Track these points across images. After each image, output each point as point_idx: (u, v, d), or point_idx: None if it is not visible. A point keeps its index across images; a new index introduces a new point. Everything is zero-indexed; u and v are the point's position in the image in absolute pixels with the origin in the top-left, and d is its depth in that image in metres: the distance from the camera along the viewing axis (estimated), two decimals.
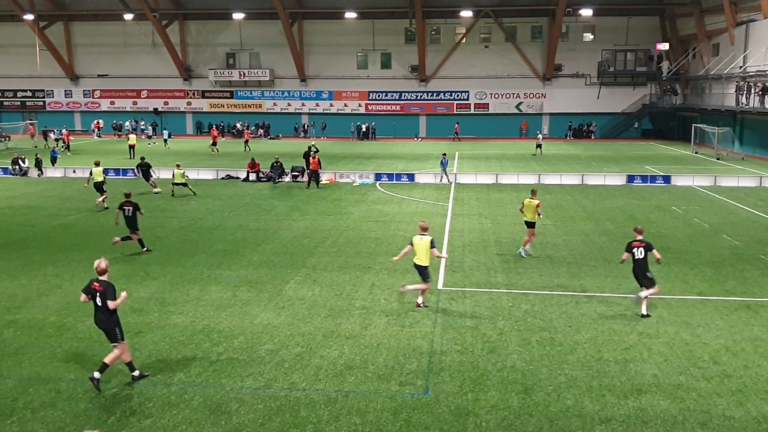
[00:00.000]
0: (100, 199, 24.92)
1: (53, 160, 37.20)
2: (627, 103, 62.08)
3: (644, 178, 32.73)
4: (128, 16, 61.12)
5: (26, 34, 64.13)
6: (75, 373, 10.30)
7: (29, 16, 61.15)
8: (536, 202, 17.64)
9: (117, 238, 18.28)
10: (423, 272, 13.50)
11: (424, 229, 13.52)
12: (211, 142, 48.54)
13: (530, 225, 17.89)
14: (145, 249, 18.18)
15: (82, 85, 67.72)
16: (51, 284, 15.11)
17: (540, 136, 48.92)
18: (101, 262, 9.97)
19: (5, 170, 35.14)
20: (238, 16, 59.63)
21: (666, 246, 18.61)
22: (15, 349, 11.26)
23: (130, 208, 18.26)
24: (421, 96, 64.07)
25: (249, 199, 27.31)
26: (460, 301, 14.10)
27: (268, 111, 66.07)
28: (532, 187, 21.49)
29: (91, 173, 26.30)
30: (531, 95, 62.80)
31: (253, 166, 33.49)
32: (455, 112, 63.68)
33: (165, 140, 53.40)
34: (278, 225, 22.00)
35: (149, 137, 53.00)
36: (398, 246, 18.97)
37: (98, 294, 9.82)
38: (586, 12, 56.03)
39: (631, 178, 32.73)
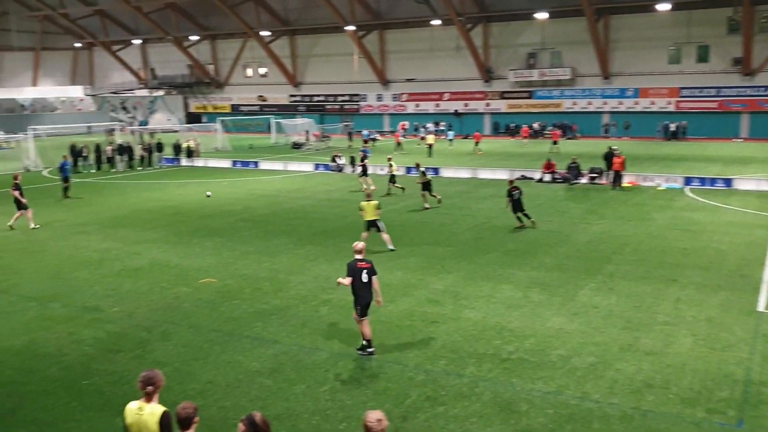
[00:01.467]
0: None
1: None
2: None
3: None
4: (435, 22, 64.64)
5: (346, 43, 71.45)
6: (378, 353, 11.14)
7: (350, 27, 68.02)
8: None
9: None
10: None
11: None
12: (521, 137, 48.99)
13: None
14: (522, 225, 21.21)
15: (391, 89, 73.41)
16: None
17: None
18: (359, 244, 11.28)
19: (326, 166, 39.61)
20: (541, 15, 59.38)
21: None
22: (328, 325, 12.58)
23: (518, 191, 21.46)
24: (744, 92, 57.25)
25: (543, 200, 27.05)
26: None
27: (567, 110, 64.79)
28: None
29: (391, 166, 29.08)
30: None
31: (549, 167, 33.09)
32: None
33: (450, 140, 55.48)
34: (573, 228, 21.43)
35: (450, 140, 55.48)
36: (709, 259, 17.23)
37: (365, 271, 10.94)
38: None
39: None
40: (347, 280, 10.86)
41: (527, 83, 66.15)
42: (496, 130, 68.34)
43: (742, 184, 29.87)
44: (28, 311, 13.57)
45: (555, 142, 47.79)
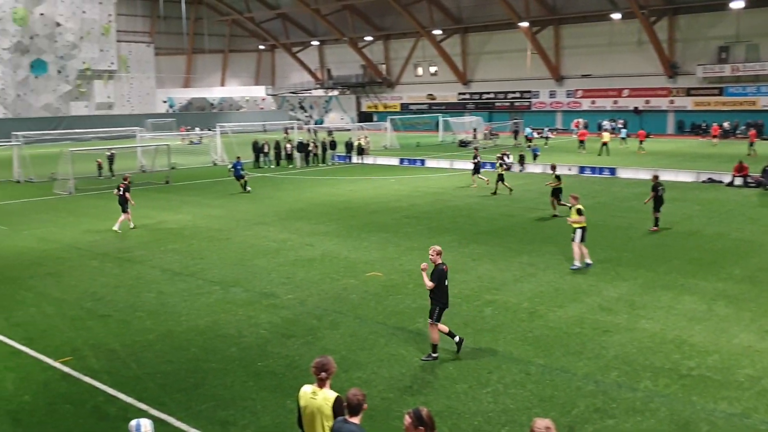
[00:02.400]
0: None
1: (534, 157, 40.04)
2: None
3: None
4: (616, 16, 61.64)
5: (519, 39, 70.19)
6: (544, 359, 10.80)
7: (524, 24, 66.72)
8: None
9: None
10: None
11: None
12: (749, 142, 44.65)
13: None
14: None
15: (566, 85, 71.10)
16: (526, 272, 16.20)
17: None
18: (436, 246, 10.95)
19: (493, 165, 39.13)
20: (736, 5, 54.53)
21: None
22: (492, 327, 12.39)
23: (662, 188, 20.83)
24: None
25: (733, 206, 24.86)
26: None
27: (763, 108, 59.05)
28: None
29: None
30: None
31: (741, 170, 30.32)
32: None
33: (623, 138, 52.45)
34: (766, 237, 19.46)
35: (623, 138, 52.58)
36: None
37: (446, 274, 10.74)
38: None
39: None
40: (430, 284, 10.60)
41: (717, 79, 61.10)
42: (681, 129, 63.87)
43: None
44: (212, 294, 14.69)
45: (752, 144, 43.71)
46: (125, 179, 22.57)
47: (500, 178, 28.67)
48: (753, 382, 9.86)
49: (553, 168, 25.43)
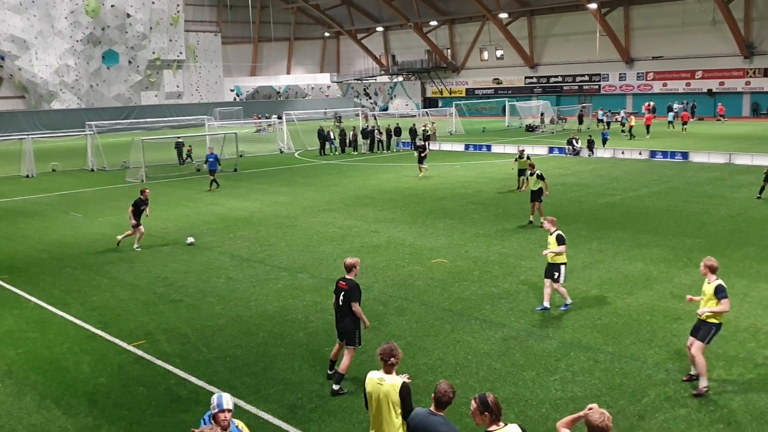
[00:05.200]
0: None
1: (604, 141, 39.10)
2: None
3: None
4: None
5: (588, 21, 68.38)
6: (613, 347, 10.63)
7: (593, 5, 64.94)
8: None
9: None
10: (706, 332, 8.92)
11: (713, 271, 8.87)
12: None
13: None
14: None
15: (636, 67, 68.99)
16: (595, 258, 15.92)
17: None
18: (347, 259, 9.46)
19: (561, 150, 38.46)
20: None
21: None
22: (560, 314, 12.23)
23: None
24: None
25: None
26: None
27: None
28: None
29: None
30: None
31: None
32: None
33: (670, 122, 50.58)
34: None
35: (670, 122, 50.86)
36: None
37: (342, 293, 9.27)
38: None
39: None
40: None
41: None
42: (756, 112, 61.11)
43: None
44: (280, 280, 15.03)
45: None
46: (143, 193, 18.82)
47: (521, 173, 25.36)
48: None
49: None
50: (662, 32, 65.25)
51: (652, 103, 64.69)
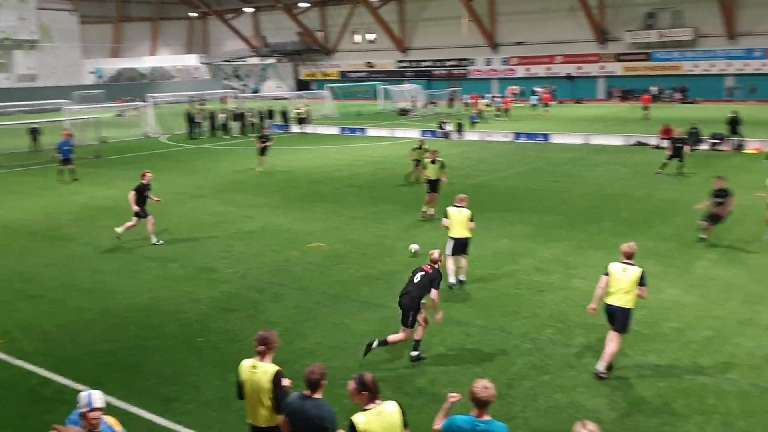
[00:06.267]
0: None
1: (473, 125, 40.55)
2: None
3: None
4: None
5: (455, 6, 70.24)
6: (483, 320, 11.13)
7: None
8: None
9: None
10: (624, 318, 9.07)
11: (629, 256, 9.26)
12: (642, 107, 46.10)
13: None
14: None
15: (501, 52, 71.76)
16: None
17: None
18: (434, 252, 9.84)
19: (433, 133, 39.46)
20: None
21: None
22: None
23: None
24: None
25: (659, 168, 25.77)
26: None
27: (687, 73, 61.08)
28: None
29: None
30: None
31: (667, 133, 31.40)
32: None
33: (534, 105, 53.69)
34: (692, 197, 20.23)
35: (533, 105, 53.98)
36: None
37: (424, 275, 9.49)
38: None
39: None
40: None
41: (645, 45, 62.82)
42: (610, 95, 65.50)
43: None
44: (150, 270, 14.45)
45: (646, 108, 44.86)
46: (144, 176, 16.63)
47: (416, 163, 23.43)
48: (678, 334, 10.41)
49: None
50: (525, 18, 68.23)
51: (517, 88, 67.65)
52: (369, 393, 5.47)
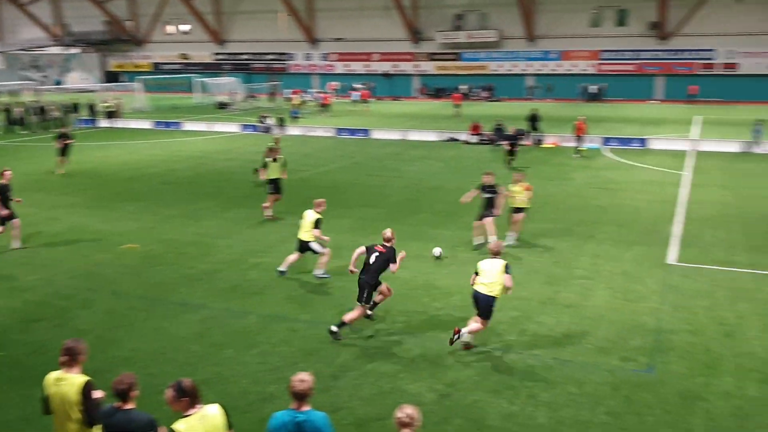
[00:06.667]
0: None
1: (294, 119, 40.53)
2: None
3: None
4: None
5: (273, 0, 69.63)
6: (309, 315, 11.20)
7: None
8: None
9: None
10: (486, 306, 9.76)
11: (496, 254, 10.08)
12: (454, 104, 47.86)
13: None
14: None
15: (320, 48, 72.29)
16: (291, 233, 16.42)
17: None
18: (387, 231, 10.59)
19: (254, 127, 38.90)
20: None
21: None
22: (259, 289, 12.50)
23: None
24: (659, 55, 59.34)
25: (470, 162, 27.45)
26: (694, 278, 13.00)
27: (493, 72, 65.49)
28: None
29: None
30: None
31: (475, 129, 33.51)
32: (697, 72, 58.17)
33: (354, 101, 55.40)
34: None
35: (354, 101, 55.61)
36: (624, 215, 17.98)
37: (379, 255, 10.18)
38: None
39: None
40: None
41: (455, 45, 66.37)
42: (424, 92, 68.46)
43: (656, 144, 31.15)
44: None
45: (457, 106, 47.15)
46: (3, 175, 15.03)
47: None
48: None
49: (277, 141, 21.90)
50: (343, 15, 69.27)
51: (337, 84, 68.54)
52: (189, 398, 5.30)
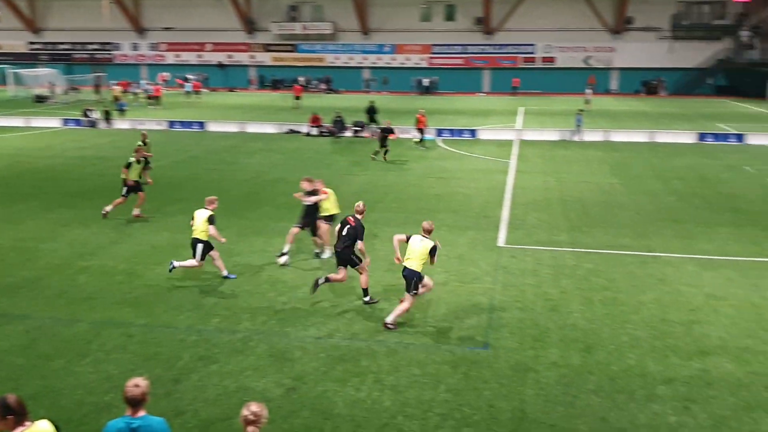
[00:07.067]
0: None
1: (121, 113, 38.34)
2: (701, 58, 59.44)
3: (716, 137, 31.45)
4: None
5: None
6: (146, 319, 10.70)
7: None
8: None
9: None
10: (410, 280, 10.32)
11: (428, 231, 10.56)
12: (294, 96, 47.00)
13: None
14: None
15: (148, 38, 68.91)
16: (122, 233, 15.65)
17: (589, 91, 50.37)
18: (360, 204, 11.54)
19: (78, 122, 36.33)
20: None
21: (737, 207, 18.05)
22: (88, 294, 11.75)
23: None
24: (485, 49, 62.79)
25: (311, 154, 27.51)
26: (522, 258, 13.97)
27: (330, 65, 65.95)
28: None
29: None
30: (600, 49, 60.89)
31: (315, 121, 33.61)
32: (520, 66, 62.29)
33: (188, 92, 53.91)
34: (339, 180, 22.11)
35: (187, 92, 54.02)
36: (458, 202, 18.91)
37: (350, 227, 11.02)
38: None
39: (702, 137, 31.48)
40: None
41: (290, 36, 65.99)
42: (263, 84, 67.53)
43: (484, 134, 33.02)
44: None
45: (297, 98, 46.59)
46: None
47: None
48: (334, 306, 11.32)
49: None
50: (172, 3, 66.45)
51: (168, 75, 65.66)
52: (14, 416, 4.92)
